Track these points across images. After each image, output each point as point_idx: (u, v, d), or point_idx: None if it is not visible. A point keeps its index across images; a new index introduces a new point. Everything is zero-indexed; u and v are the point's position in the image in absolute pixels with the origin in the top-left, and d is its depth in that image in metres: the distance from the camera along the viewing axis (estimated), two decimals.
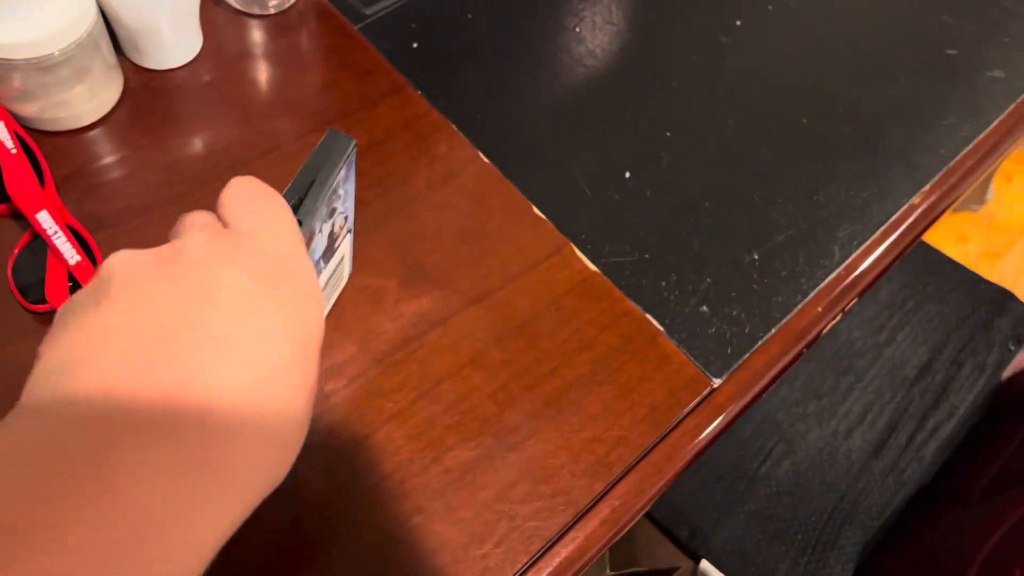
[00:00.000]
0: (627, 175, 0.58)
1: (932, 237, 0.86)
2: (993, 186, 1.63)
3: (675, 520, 0.79)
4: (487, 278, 0.53)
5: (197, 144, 0.55)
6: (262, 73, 0.59)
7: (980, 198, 1.62)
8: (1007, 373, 0.91)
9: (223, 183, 0.32)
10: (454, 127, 0.58)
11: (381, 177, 0.55)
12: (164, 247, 0.28)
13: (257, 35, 0.61)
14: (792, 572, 0.75)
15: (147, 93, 0.57)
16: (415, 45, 0.62)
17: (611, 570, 0.83)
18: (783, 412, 0.83)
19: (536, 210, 0.56)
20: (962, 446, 0.85)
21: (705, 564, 0.78)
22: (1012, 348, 0.90)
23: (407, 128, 0.58)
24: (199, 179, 0.53)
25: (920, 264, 0.95)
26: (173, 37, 0.56)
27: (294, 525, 0.43)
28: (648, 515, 0.81)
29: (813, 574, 0.75)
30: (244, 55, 0.59)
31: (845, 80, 0.66)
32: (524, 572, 0.45)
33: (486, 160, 0.57)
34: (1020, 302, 0.93)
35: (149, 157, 0.54)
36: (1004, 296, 0.93)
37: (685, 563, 0.82)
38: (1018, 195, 1.67)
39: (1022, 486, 0.69)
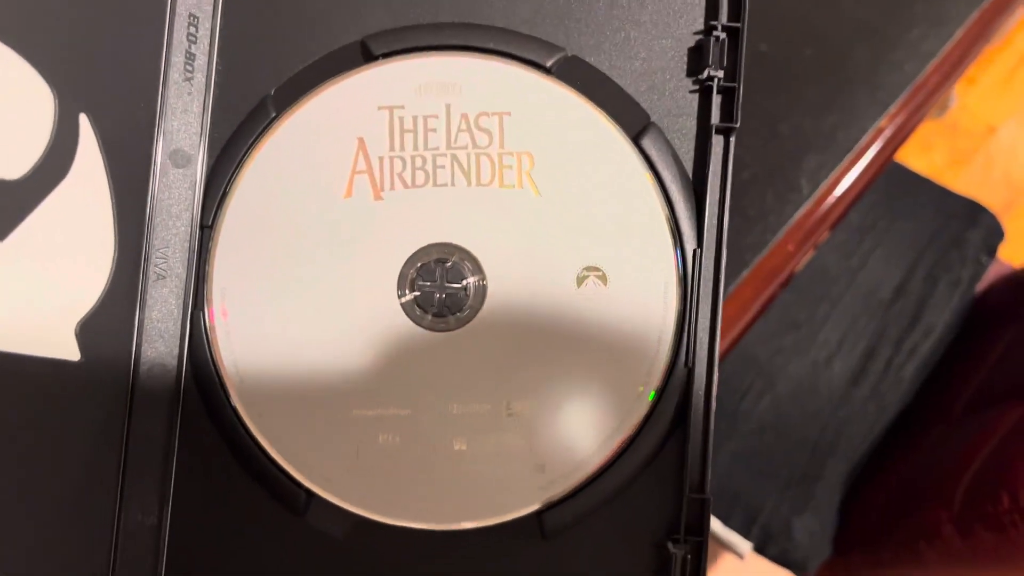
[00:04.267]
0: None
1: (897, 153, 0.84)
2: (956, 91, 1.61)
3: None
4: None
5: None
6: None
7: (943, 105, 1.60)
8: (981, 286, 0.90)
9: None
10: None
11: None
12: None
13: None
14: (779, 507, 0.75)
15: None
16: None
17: None
18: (760, 347, 0.82)
19: None
20: (940, 364, 0.84)
21: None
22: (984, 261, 0.89)
23: None
24: None
25: (888, 181, 0.93)
26: None
27: None
28: None
29: (800, 507, 0.75)
30: None
31: (801, 0, 0.63)
32: None
33: None
34: (989, 213, 0.92)
35: None
36: (974, 208, 0.92)
37: None
38: (980, 98, 1.66)
39: (1002, 403, 0.69)
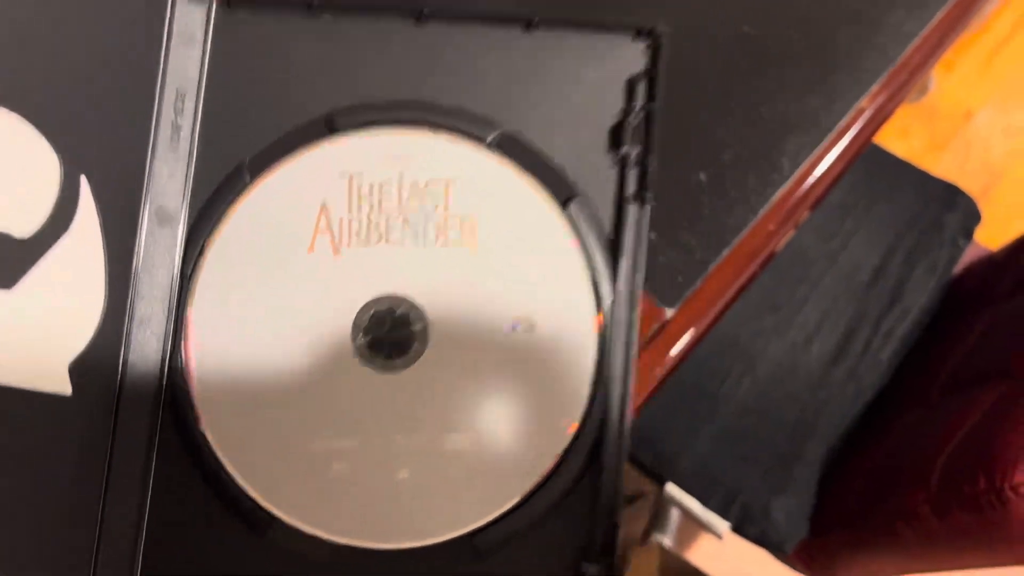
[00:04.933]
0: None
1: (876, 135, 0.84)
2: (934, 76, 1.61)
3: (638, 446, 0.79)
4: None
5: None
6: None
7: (922, 88, 1.61)
8: (958, 269, 0.91)
9: None
10: None
11: None
12: None
13: None
14: (759, 488, 0.75)
15: None
16: None
17: None
18: (740, 328, 0.82)
19: None
20: (918, 346, 0.85)
21: (670, 487, 0.77)
22: (961, 243, 0.90)
23: None
24: None
25: (868, 164, 0.94)
26: None
27: None
28: None
29: (779, 488, 0.75)
30: None
31: None
32: None
33: None
34: (967, 196, 0.93)
35: None
36: (952, 191, 0.92)
37: (650, 488, 0.82)
38: (959, 83, 1.67)
39: (979, 385, 0.69)
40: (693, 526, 0.81)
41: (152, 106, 0.27)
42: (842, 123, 0.56)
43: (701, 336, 0.51)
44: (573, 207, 0.29)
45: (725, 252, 0.51)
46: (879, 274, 0.87)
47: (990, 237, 1.09)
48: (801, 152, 0.55)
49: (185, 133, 0.28)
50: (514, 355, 0.27)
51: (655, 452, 0.78)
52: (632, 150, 0.29)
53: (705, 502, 0.76)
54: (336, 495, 0.27)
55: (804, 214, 0.55)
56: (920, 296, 0.85)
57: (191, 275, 0.27)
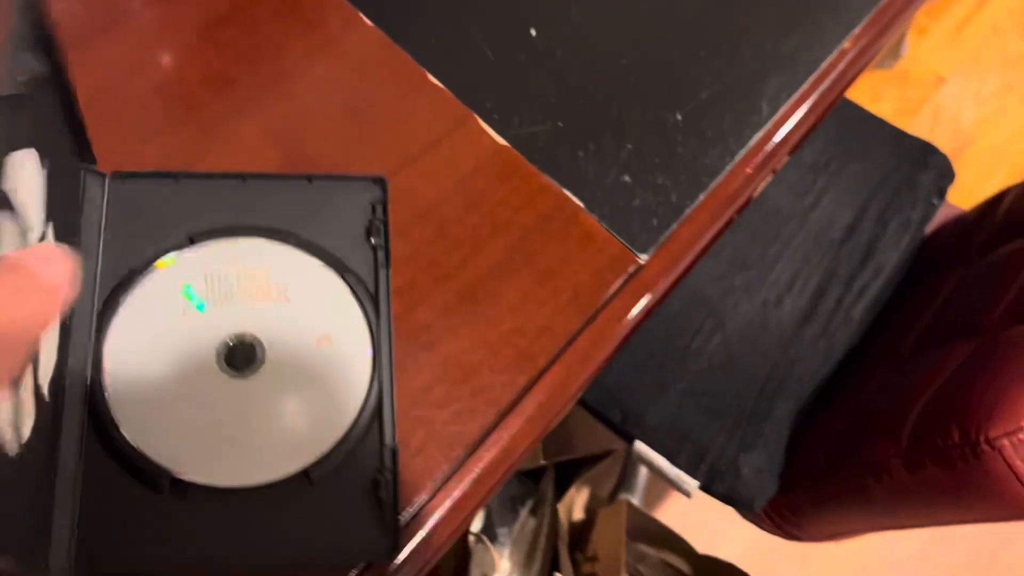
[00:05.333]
0: (533, 33, 0.51)
1: (856, 81, 0.82)
2: (907, 41, 1.60)
3: (607, 403, 0.77)
4: (382, 160, 0.47)
5: None
6: None
7: (894, 53, 1.59)
8: (930, 228, 0.90)
9: None
10: None
11: (247, 50, 0.48)
12: None
13: None
14: (727, 445, 0.74)
15: None
16: None
17: (544, 459, 0.81)
18: (711, 286, 0.80)
19: (432, 78, 0.49)
20: (890, 304, 0.84)
21: (639, 445, 0.76)
22: (935, 202, 0.89)
23: None
24: None
25: (843, 121, 0.92)
26: None
27: None
28: (579, 400, 0.78)
29: (748, 445, 0.74)
30: None
31: None
32: (446, 481, 0.41)
33: (370, 23, 0.50)
34: (941, 154, 0.91)
35: None
36: (926, 150, 0.91)
37: (619, 445, 0.80)
38: (932, 49, 1.66)
39: (950, 342, 0.68)
40: (662, 484, 0.80)
41: (78, 238, 0.42)
42: (824, 64, 0.54)
43: (675, 283, 0.49)
44: (348, 276, 0.43)
45: (702, 196, 0.49)
46: (852, 232, 0.85)
47: (960, 200, 1.08)
48: (781, 93, 0.52)
49: (94, 251, 0.42)
50: (321, 361, 0.42)
51: (623, 409, 0.76)
52: (376, 241, 0.44)
53: (674, 460, 0.75)
54: (217, 456, 0.39)
55: (783, 159, 0.53)
56: (892, 254, 0.84)
57: (104, 332, 0.41)
